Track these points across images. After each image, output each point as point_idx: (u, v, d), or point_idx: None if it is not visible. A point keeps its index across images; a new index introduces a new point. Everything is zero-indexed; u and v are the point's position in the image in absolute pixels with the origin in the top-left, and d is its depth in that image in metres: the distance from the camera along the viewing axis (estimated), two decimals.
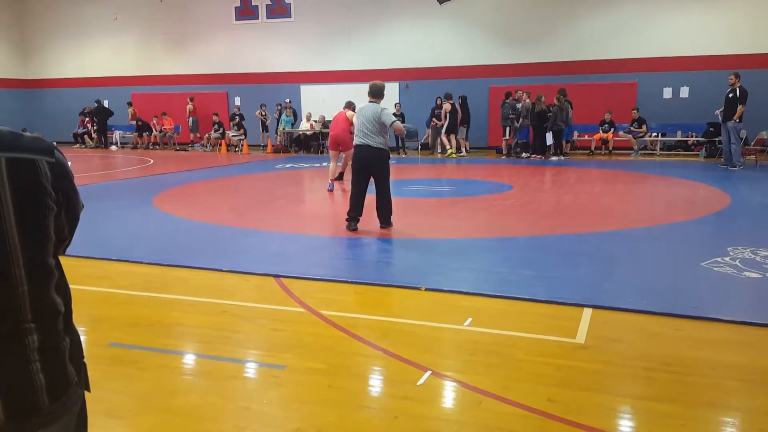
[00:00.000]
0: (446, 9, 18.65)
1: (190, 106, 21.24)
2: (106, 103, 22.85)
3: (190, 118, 21.28)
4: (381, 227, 7.48)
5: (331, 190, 10.69)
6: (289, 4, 20.49)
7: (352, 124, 10.54)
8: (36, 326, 1.39)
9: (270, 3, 20.71)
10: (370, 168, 7.33)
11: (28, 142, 1.38)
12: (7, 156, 1.33)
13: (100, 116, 22.05)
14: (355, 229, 7.40)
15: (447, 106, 17.41)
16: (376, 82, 7.58)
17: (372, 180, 7.43)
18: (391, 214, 7.52)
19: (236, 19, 21.20)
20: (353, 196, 7.44)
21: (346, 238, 7.19)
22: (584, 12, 17.51)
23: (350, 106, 10.96)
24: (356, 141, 7.33)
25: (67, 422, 1.52)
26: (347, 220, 7.45)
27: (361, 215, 7.46)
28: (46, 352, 1.43)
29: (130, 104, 22.40)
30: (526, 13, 17.95)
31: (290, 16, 20.57)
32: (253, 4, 20.90)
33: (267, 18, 20.86)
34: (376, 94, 7.40)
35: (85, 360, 1.61)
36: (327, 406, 3.19)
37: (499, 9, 18.22)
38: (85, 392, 1.64)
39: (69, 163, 1.49)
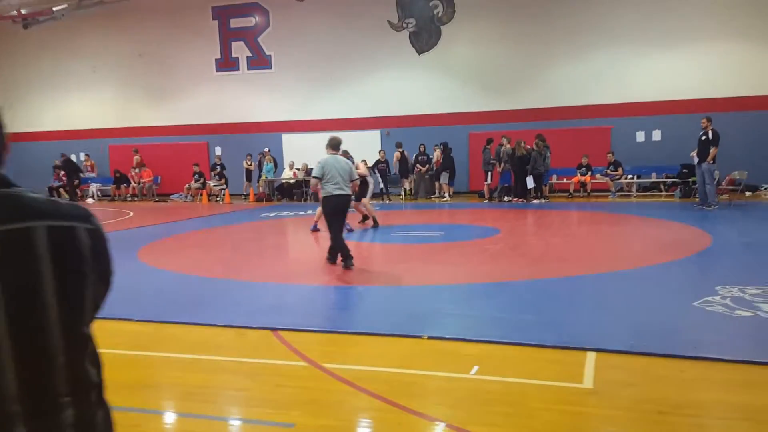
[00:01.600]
0: (425, 59, 19.11)
1: (137, 158, 21.38)
2: (81, 157, 22.82)
3: (136, 169, 21.42)
4: (350, 268, 7.83)
5: (314, 231, 10.93)
6: (270, 55, 20.80)
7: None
8: (71, 400, 1.34)
9: (251, 54, 21.00)
10: (344, 213, 8.10)
11: (67, 210, 1.36)
12: (48, 224, 1.32)
13: (68, 170, 21.92)
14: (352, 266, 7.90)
15: (397, 154, 18.39)
16: (335, 136, 8.41)
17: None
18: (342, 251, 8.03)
19: (216, 71, 21.42)
20: (339, 240, 8.01)
21: (340, 287, 7.15)
22: (560, 60, 18.04)
23: (346, 153, 11.06)
24: (335, 191, 7.86)
25: None
26: (344, 259, 7.93)
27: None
28: (79, 428, 1.37)
29: (88, 156, 22.52)
30: (502, 62, 18.44)
31: (271, 68, 20.85)
32: (234, 56, 21.17)
33: (248, 69, 21.12)
34: (337, 146, 8.22)
35: None
36: None
37: (476, 58, 18.69)
38: None
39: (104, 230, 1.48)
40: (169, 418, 3.73)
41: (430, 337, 5.00)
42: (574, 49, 17.84)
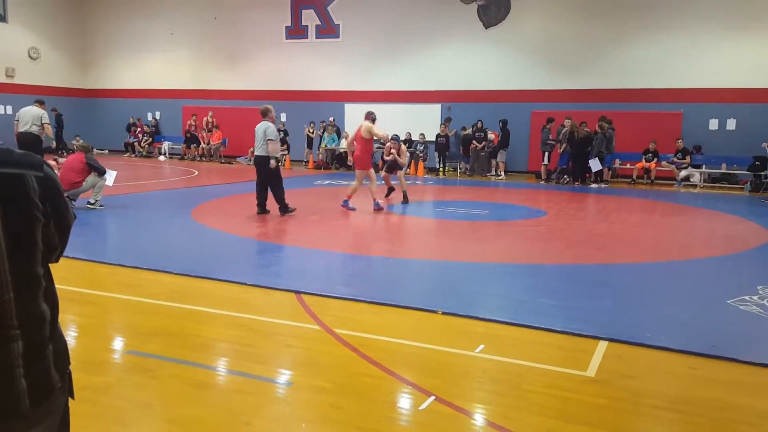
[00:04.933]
0: (492, 33, 18.73)
1: (210, 120, 22.08)
2: (153, 116, 23.89)
3: (209, 131, 22.09)
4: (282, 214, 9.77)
5: (345, 207, 10.70)
6: (338, 25, 20.89)
7: (372, 138, 10.34)
8: (21, 333, 1.47)
9: (319, 23, 21.16)
10: (260, 169, 9.82)
11: (18, 158, 1.49)
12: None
13: (57, 125, 23.14)
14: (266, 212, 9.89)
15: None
16: (264, 105, 10.15)
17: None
18: (281, 203, 9.90)
19: (286, 38, 21.72)
20: (261, 193, 9.97)
21: (368, 256, 7.27)
22: (631, 40, 17.31)
23: (370, 116, 10.55)
24: (256, 152, 9.83)
25: (48, 426, 1.59)
26: (259, 206, 9.90)
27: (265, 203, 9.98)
28: (29, 358, 1.51)
29: (140, 125, 23.54)
30: (571, 40, 17.85)
31: (338, 37, 20.95)
32: (303, 23, 21.39)
33: (316, 38, 21.30)
34: (264, 114, 9.90)
35: (71, 368, 1.69)
36: (327, 426, 3.25)
37: (544, 34, 18.17)
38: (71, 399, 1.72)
39: (58, 177, 1.61)
40: (180, 366, 3.96)
41: (444, 313, 5.06)
42: (646, 29, 17.06)
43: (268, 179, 9.82)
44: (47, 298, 1.57)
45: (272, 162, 9.66)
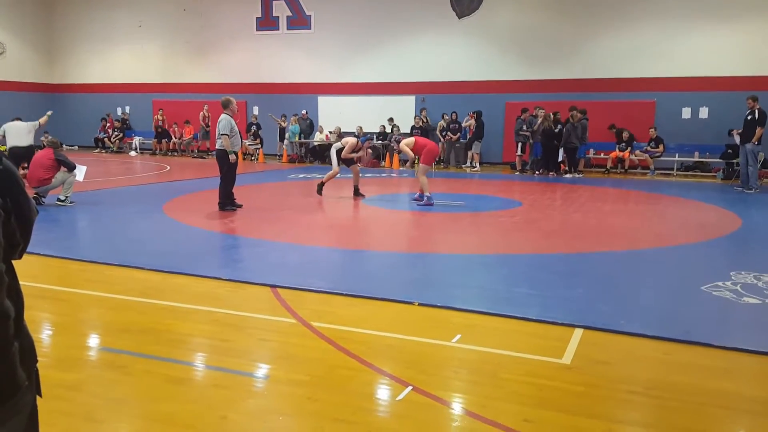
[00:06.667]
0: (465, 24, 18.74)
1: (205, 113, 21.45)
2: (123, 110, 23.53)
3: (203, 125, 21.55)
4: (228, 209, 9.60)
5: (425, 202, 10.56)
6: (310, 15, 20.72)
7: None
8: None
9: (291, 14, 20.96)
10: (220, 165, 9.54)
11: None
12: None
13: None
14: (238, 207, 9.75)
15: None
16: (225, 96, 9.69)
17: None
18: (221, 199, 9.64)
19: (257, 30, 21.48)
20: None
21: (347, 250, 7.23)
22: (604, 30, 17.45)
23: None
24: (216, 146, 9.50)
25: (16, 425, 1.54)
26: (232, 204, 9.69)
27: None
28: None
29: (110, 120, 22.90)
30: (545, 30, 17.94)
31: (310, 28, 20.79)
32: (274, 15, 21.17)
33: (287, 29, 21.11)
34: (226, 105, 9.47)
35: (38, 366, 1.63)
36: (304, 418, 3.22)
37: (518, 25, 18.23)
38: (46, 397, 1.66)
39: (18, 171, 1.54)
40: (154, 362, 3.89)
41: (420, 304, 5.04)
42: (620, 19, 17.21)
43: (220, 171, 9.60)
44: (11, 295, 1.51)
45: (231, 156, 9.37)
